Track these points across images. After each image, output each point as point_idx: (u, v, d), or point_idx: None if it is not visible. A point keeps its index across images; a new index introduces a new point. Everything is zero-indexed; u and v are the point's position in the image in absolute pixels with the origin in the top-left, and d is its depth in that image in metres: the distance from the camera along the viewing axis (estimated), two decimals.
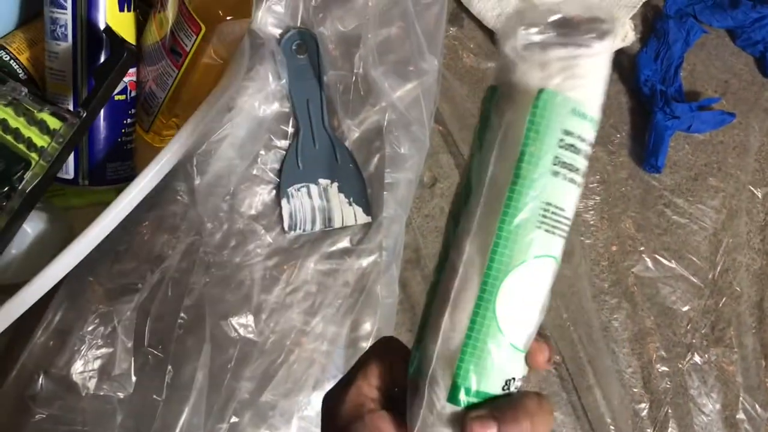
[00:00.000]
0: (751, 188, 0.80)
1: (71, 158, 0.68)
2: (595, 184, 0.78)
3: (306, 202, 0.73)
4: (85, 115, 0.62)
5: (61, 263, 0.63)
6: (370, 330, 0.70)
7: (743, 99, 0.83)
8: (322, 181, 0.74)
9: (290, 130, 0.75)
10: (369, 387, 0.37)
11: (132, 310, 0.67)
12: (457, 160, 0.78)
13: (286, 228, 0.72)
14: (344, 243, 0.72)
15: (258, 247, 0.71)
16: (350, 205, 0.73)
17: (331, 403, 0.37)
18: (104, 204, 0.68)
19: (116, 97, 0.68)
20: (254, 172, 0.73)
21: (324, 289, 0.70)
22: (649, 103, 0.80)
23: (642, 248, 0.76)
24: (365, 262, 0.71)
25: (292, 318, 0.69)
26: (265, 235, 0.72)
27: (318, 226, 0.72)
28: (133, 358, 0.67)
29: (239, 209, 0.72)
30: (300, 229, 0.72)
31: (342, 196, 0.73)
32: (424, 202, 0.76)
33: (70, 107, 0.67)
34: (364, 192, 0.73)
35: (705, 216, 0.78)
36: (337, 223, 0.72)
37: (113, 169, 0.70)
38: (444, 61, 0.79)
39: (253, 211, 0.72)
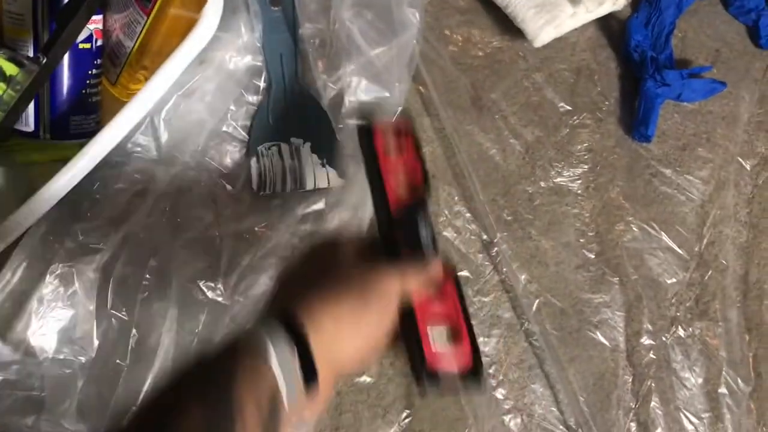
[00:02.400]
0: (740, 160, 0.78)
1: (31, 110, 0.64)
2: (583, 153, 0.76)
3: (276, 162, 0.70)
4: (45, 61, 0.58)
5: (18, 220, 0.60)
6: None
7: (734, 68, 0.81)
8: (294, 140, 0.70)
9: (262, 85, 0.71)
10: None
11: (94, 271, 0.64)
12: (440, 124, 0.75)
13: (254, 188, 0.69)
14: (319, 205, 0.69)
15: (228, 207, 0.68)
16: (323, 166, 0.70)
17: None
18: (66, 160, 0.65)
19: (81, 46, 0.64)
20: (224, 128, 0.70)
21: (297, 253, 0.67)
22: (638, 69, 0.78)
23: (629, 218, 0.74)
24: (340, 224, 0.68)
25: (265, 283, 0.66)
26: (237, 195, 0.69)
27: (288, 187, 0.69)
28: (95, 321, 0.64)
29: (208, 168, 0.69)
30: (269, 189, 0.69)
31: (315, 156, 0.70)
32: None
33: (30, 54, 0.62)
34: (338, 153, 0.70)
35: (692, 187, 0.76)
36: (309, 185, 0.69)
37: (77, 122, 0.66)
38: (427, 21, 0.76)
39: (223, 170, 0.69)
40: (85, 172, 0.60)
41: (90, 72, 0.66)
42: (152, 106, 0.62)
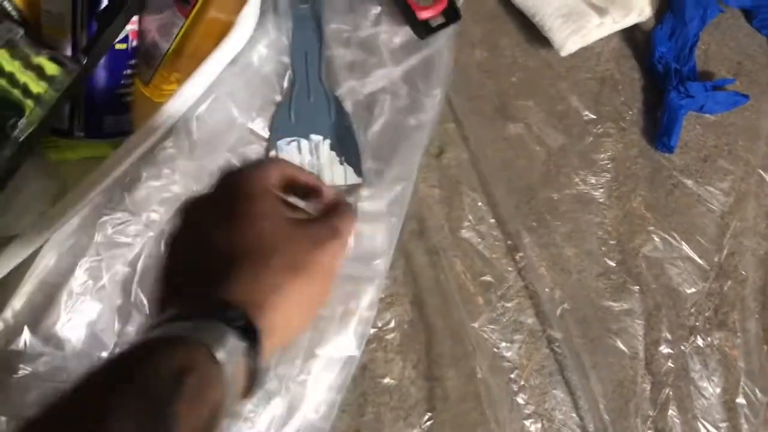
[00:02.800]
0: (761, 172, 0.79)
1: (66, 108, 0.65)
2: (606, 161, 0.77)
3: (295, 157, 0.71)
4: (85, 61, 0.59)
5: (52, 217, 0.60)
6: (370, 298, 0.68)
7: (756, 81, 0.82)
8: (314, 137, 0.71)
9: (286, 82, 0.72)
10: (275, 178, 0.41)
11: (122, 265, 0.65)
12: (465, 131, 0.75)
13: None
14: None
15: None
16: (341, 164, 0.71)
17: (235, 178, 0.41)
18: (99, 159, 0.66)
19: (117, 46, 0.65)
20: (252, 126, 0.70)
21: None
22: (662, 81, 0.79)
23: (650, 228, 0.75)
24: (365, 227, 0.69)
25: None
26: None
27: None
28: (117, 315, 0.64)
29: (237, 165, 0.69)
30: None
31: (334, 154, 0.71)
32: (431, 171, 0.74)
33: (68, 53, 0.63)
34: (356, 152, 0.71)
35: (713, 198, 0.77)
36: (326, 181, 0.70)
37: (110, 122, 0.67)
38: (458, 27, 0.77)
39: None
40: (120, 171, 0.61)
41: (124, 72, 0.66)
42: (187, 108, 0.63)
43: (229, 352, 0.31)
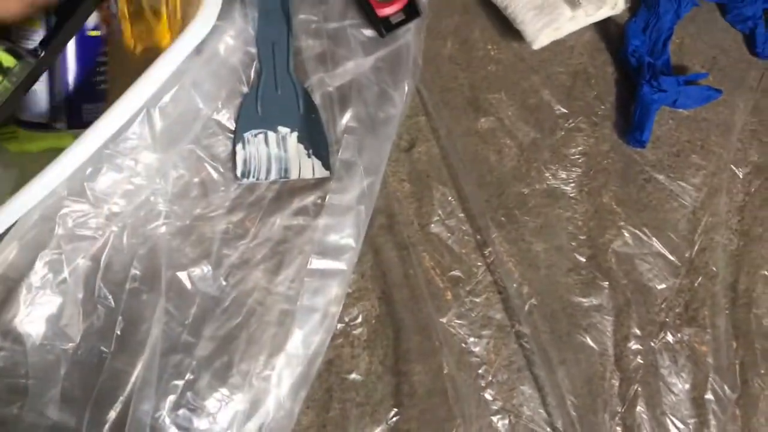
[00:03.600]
0: (733, 167, 0.79)
1: (45, 100, 0.63)
2: (577, 156, 0.76)
3: (262, 150, 0.70)
4: (42, 54, 0.58)
5: (10, 210, 0.59)
6: (336, 293, 0.67)
7: (730, 76, 0.81)
8: (282, 129, 0.70)
9: (253, 74, 0.71)
10: None
11: (83, 258, 0.64)
12: (435, 124, 0.74)
13: (238, 175, 0.68)
14: (311, 199, 0.69)
15: (220, 198, 0.68)
16: (309, 157, 0.70)
17: None
18: (59, 149, 0.64)
19: (90, 33, 0.64)
20: (218, 118, 0.69)
21: (290, 248, 0.67)
22: (635, 75, 0.78)
23: (621, 223, 0.74)
24: (333, 221, 0.68)
25: (256, 276, 0.66)
26: (229, 186, 0.69)
27: (273, 176, 0.69)
28: (81, 309, 0.63)
29: (201, 157, 0.68)
30: (253, 177, 0.69)
31: (301, 146, 0.70)
32: (401, 166, 0.73)
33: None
34: (325, 145, 0.70)
35: (685, 193, 0.77)
36: (293, 174, 0.69)
37: (89, 110, 0.65)
38: (426, 20, 0.76)
39: (215, 161, 0.69)
40: (80, 162, 0.60)
41: (98, 60, 0.65)
42: (149, 96, 0.62)
43: None
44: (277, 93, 0.71)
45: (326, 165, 0.70)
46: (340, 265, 0.67)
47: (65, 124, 0.63)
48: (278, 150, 0.70)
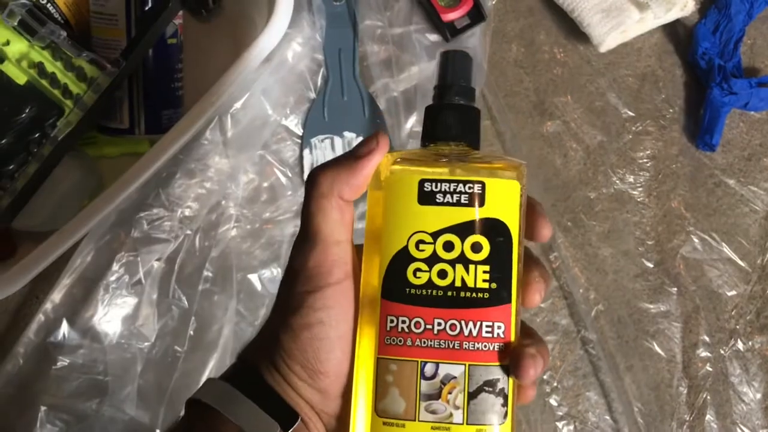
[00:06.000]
0: None
1: (125, 107, 0.65)
2: (645, 160, 0.75)
3: (329, 155, 0.71)
4: (124, 64, 0.60)
5: (91, 213, 0.62)
6: None
7: None
8: (348, 134, 0.71)
9: (320, 80, 0.72)
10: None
11: (158, 260, 0.66)
12: (501, 128, 0.74)
13: (305, 179, 0.69)
14: None
15: (288, 202, 0.69)
16: None
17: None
18: (136, 154, 0.67)
19: (168, 41, 0.66)
20: (286, 123, 0.71)
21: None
22: (705, 77, 0.76)
23: (690, 228, 0.73)
24: None
25: None
26: (297, 190, 0.70)
27: None
28: (156, 309, 0.66)
29: (271, 162, 0.70)
30: None
31: None
32: None
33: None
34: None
35: (757, 198, 0.75)
36: None
37: (167, 116, 0.67)
38: (492, 24, 0.76)
39: (284, 166, 0.70)
40: (156, 167, 0.62)
41: (176, 66, 0.67)
42: (222, 103, 0.64)
43: None
44: (343, 99, 0.72)
45: None
46: None
47: (144, 130, 0.65)
48: None
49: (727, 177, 0.75)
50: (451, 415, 0.32)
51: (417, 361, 0.33)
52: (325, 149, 0.71)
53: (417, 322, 0.33)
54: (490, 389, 0.33)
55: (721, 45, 0.78)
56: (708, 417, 0.69)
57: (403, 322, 0.33)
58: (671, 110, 0.77)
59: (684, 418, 0.69)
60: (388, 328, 0.33)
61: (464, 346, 0.33)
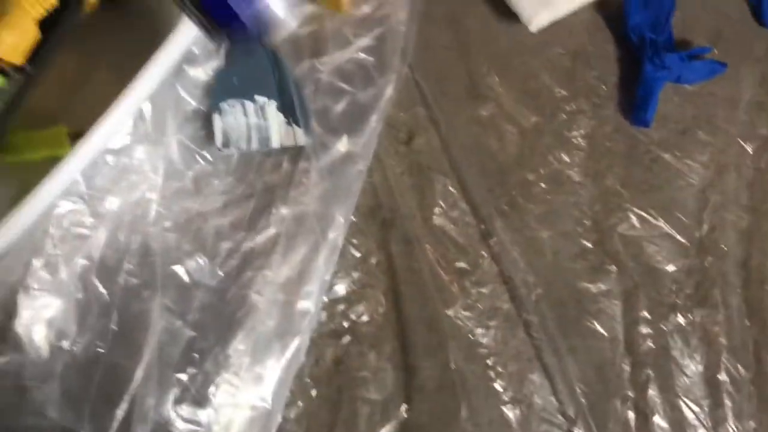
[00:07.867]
0: (741, 142, 0.77)
1: None
2: (580, 139, 0.75)
3: (241, 119, 0.70)
4: (30, 71, 0.58)
5: (14, 223, 0.59)
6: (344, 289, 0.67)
7: (735, 48, 0.79)
8: (259, 98, 0.70)
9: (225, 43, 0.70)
10: None
11: (80, 257, 0.64)
12: (435, 114, 0.73)
13: (218, 145, 0.69)
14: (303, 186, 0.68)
15: (211, 190, 0.68)
16: (290, 124, 0.70)
17: None
18: (57, 159, 0.64)
19: None
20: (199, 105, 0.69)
21: (291, 237, 0.67)
22: (637, 52, 0.76)
23: (627, 205, 0.73)
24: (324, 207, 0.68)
25: (253, 265, 0.66)
26: (219, 176, 0.69)
27: (254, 145, 0.69)
28: (78, 307, 0.64)
29: (189, 147, 0.68)
30: (234, 146, 0.69)
31: (281, 115, 0.70)
32: (401, 158, 0.72)
33: None
34: (304, 112, 0.70)
35: (693, 172, 0.75)
36: (275, 143, 0.69)
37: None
38: (422, 8, 0.74)
39: (203, 149, 0.69)
40: (79, 170, 0.60)
41: None
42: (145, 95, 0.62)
43: None
44: (250, 63, 0.70)
45: (307, 132, 0.70)
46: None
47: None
48: (257, 119, 0.70)
49: (662, 152, 0.76)
50: None
51: None
52: (236, 113, 0.70)
53: None
54: None
55: (653, 19, 0.78)
56: (651, 392, 0.69)
57: None
58: (604, 87, 0.76)
59: (628, 395, 0.69)
60: None
61: None
